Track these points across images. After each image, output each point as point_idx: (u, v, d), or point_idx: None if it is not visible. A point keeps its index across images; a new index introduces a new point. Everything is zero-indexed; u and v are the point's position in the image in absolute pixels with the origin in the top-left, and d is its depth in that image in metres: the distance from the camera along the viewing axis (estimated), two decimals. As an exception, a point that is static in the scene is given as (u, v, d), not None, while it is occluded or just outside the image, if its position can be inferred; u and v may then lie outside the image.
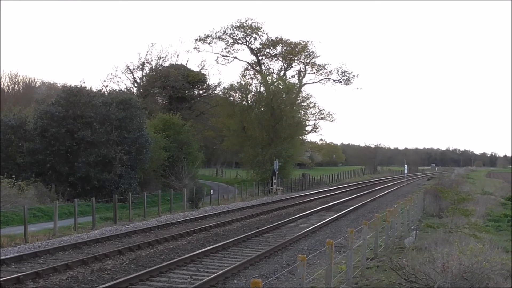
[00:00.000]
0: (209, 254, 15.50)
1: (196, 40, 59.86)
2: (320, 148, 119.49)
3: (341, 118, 70.66)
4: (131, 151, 32.27)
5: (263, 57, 62.07)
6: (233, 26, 59.51)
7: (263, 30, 60.02)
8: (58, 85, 59.64)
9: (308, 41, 61.09)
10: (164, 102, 58.74)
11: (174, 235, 18.78)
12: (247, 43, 60.73)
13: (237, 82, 55.41)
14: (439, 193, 25.50)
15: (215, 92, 61.00)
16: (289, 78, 60.62)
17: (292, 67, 62.64)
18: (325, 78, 62.52)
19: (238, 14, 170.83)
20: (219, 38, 59.95)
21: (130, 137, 32.23)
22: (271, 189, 44.55)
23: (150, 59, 57.91)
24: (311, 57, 61.52)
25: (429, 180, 66.34)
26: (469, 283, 8.92)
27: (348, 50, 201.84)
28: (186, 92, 57.82)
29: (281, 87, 52.22)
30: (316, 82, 63.46)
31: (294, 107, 53.09)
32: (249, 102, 53.57)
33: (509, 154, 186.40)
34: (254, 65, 62.39)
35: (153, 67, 57.96)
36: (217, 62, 62.33)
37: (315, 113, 58.61)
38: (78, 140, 30.73)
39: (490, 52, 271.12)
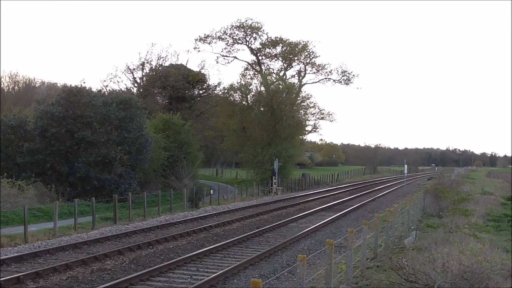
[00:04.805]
0: (209, 254, 15.50)
1: (196, 40, 59.95)
2: (320, 148, 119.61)
3: (341, 118, 70.72)
4: (131, 151, 32.27)
5: (263, 57, 62.12)
6: (233, 26, 59.58)
7: (263, 30, 60.12)
8: (58, 85, 59.74)
9: (308, 41, 61.17)
10: (164, 102, 58.77)
11: (174, 235, 18.77)
12: (247, 43, 60.80)
13: (237, 82, 55.61)
14: (439, 193, 25.50)
15: (215, 92, 61.09)
16: (289, 78, 60.69)
17: (292, 67, 62.71)
18: (325, 78, 62.56)
19: (238, 14, 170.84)
20: (219, 38, 60.01)
21: (130, 137, 32.24)
22: (271, 189, 44.54)
23: (150, 59, 58.03)
24: (311, 57, 61.56)
25: (429, 180, 66.33)
26: (469, 283, 8.92)
27: (348, 50, 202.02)
28: (186, 92, 57.84)
29: (281, 87, 52.21)
30: (316, 82, 63.51)
31: (294, 107, 53.11)
32: (249, 102, 53.60)
33: (509, 154, 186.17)
34: (254, 65, 62.42)
35: (153, 67, 58.00)
36: (217, 62, 62.53)
37: (315, 113, 58.61)
38: (78, 140, 30.73)
39: (490, 52, 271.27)
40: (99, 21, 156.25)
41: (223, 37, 59.98)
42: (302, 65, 62.34)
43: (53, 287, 11.87)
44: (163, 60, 58.37)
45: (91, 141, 30.65)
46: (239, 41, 60.46)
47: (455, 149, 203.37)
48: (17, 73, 64.85)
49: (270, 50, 61.45)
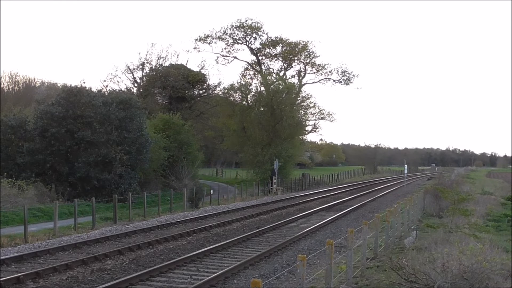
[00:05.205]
0: (209, 254, 15.50)
1: (196, 40, 59.99)
2: (320, 148, 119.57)
3: (341, 118, 70.70)
4: (131, 151, 32.27)
5: (263, 57, 62.14)
6: (233, 26, 59.61)
7: (263, 30, 60.16)
8: (58, 85, 59.70)
9: (308, 41, 61.23)
10: (164, 102, 58.78)
11: (174, 235, 18.77)
12: (247, 43, 60.82)
13: (237, 82, 55.61)
14: (439, 193, 25.51)
15: (215, 92, 61.10)
16: (289, 78, 60.71)
17: (292, 67, 62.74)
18: (325, 78, 62.58)
19: (238, 14, 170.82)
20: (219, 38, 60.04)
21: (130, 137, 32.24)
22: (271, 189, 44.55)
23: (150, 59, 58.03)
24: (311, 57, 61.58)
25: (429, 180, 66.33)
26: (469, 283, 8.92)
27: (348, 50, 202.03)
28: (186, 92, 57.85)
29: (281, 87, 52.21)
30: (316, 82, 63.54)
31: (294, 107, 53.10)
32: (249, 102, 53.61)
33: (509, 154, 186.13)
34: (254, 65, 62.43)
35: (153, 67, 58.01)
36: (217, 62, 62.56)
37: (315, 113, 58.62)
38: (78, 140, 30.73)
39: (490, 52, 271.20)
40: (99, 21, 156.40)
41: (223, 37, 60.06)
42: (302, 65, 62.45)
43: (53, 287, 11.87)
44: (163, 60, 58.46)
45: (91, 141, 30.65)
46: (239, 41, 60.53)
47: (455, 149, 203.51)
48: (17, 73, 64.94)
49: (270, 50, 61.50)
